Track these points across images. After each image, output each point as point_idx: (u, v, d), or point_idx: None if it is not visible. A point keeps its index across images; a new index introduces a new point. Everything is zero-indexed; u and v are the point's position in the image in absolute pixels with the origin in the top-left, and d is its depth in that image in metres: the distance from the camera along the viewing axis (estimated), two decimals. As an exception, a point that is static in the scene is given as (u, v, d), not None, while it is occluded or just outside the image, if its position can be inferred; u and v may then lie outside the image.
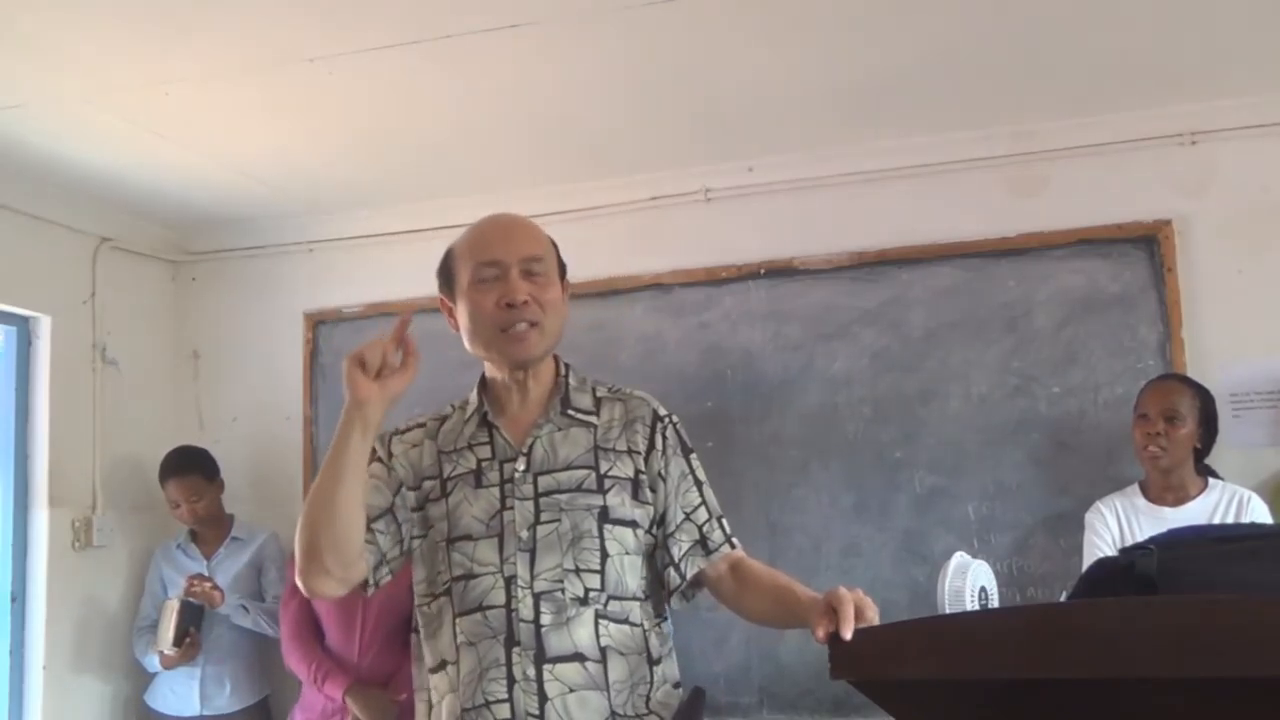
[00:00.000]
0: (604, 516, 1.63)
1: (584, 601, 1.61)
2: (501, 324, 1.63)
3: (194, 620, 3.19)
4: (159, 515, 3.49)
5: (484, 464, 1.67)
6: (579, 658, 1.60)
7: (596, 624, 1.61)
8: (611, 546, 1.63)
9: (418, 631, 1.71)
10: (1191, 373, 2.82)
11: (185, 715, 3.29)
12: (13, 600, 3.24)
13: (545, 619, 1.59)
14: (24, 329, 3.33)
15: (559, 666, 1.59)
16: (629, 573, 1.64)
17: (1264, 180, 2.95)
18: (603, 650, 1.61)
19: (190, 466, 3.35)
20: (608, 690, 1.60)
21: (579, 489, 1.64)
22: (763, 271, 3.30)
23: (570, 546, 1.61)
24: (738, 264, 3.32)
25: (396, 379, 1.53)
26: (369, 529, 1.61)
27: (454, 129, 2.99)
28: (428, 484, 1.69)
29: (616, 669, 1.62)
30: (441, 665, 1.66)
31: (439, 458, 1.70)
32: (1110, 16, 2.44)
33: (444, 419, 1.75)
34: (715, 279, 3.34)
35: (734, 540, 1.72)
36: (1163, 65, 2.74)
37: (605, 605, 1.62)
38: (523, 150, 3.17)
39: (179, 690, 3.30)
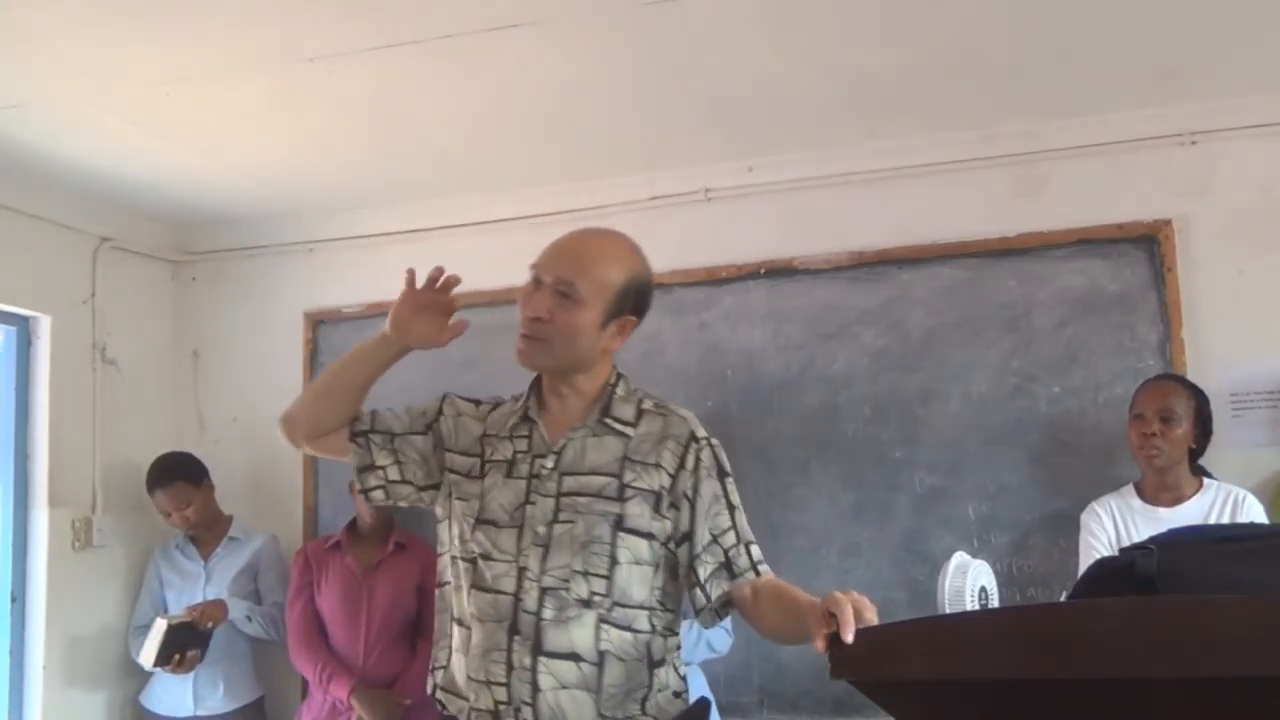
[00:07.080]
0: (619, 524, 1.66)
1: (587, 604, 1.64)
2: (520, 328, 1.72)
3: (186, 642, 3.10)
4: (159, 516, 3.48)
5: (519, 455, 1.75)
6: (574, 657, 1.63)
7: (598, 628, 1.64)
8: (622, 555, 1.66)
9: (448, 583, 1.78)
10: (1191, 373, 2.82)
11: (179, 716, 3.28)
12: (13, 600, 3.24)
13: (547, 613, 1.64)
14: (24, 329, 3.32)
15: (554, 662, 1.63)
16: (636, 582, 1.67)
17: (1264, 180, 2.95)
18: (601, 654, 1.64)
19: (174, 475, 3.31)
20: (599, 694, 1.63)
21: (598, 495, 1.68)
22: (763, 271, 3.30)
23: (581, 549, 1.65)
24: (738, 264, 3.32)
25: (429, 329, 1.78)
26: (366, 436, 1.79)
27: (454, 129, 2.98)
28: (470, 460, 1.78)
29: (613, 674, 1.64)
30: (460, 622, 1.74)
31: (483, 440, 1.79)
32: (1110, 16, 2.44)
33: (497, 406, 1.84)
34: (715, 279, 3.34)
35: (760, 567, 1.71)
36: (1163, 65, 2.74)
37: (609, 610, 1.65)
38: (522, 150, 3.16)
39: (173, 691, 3.29)
